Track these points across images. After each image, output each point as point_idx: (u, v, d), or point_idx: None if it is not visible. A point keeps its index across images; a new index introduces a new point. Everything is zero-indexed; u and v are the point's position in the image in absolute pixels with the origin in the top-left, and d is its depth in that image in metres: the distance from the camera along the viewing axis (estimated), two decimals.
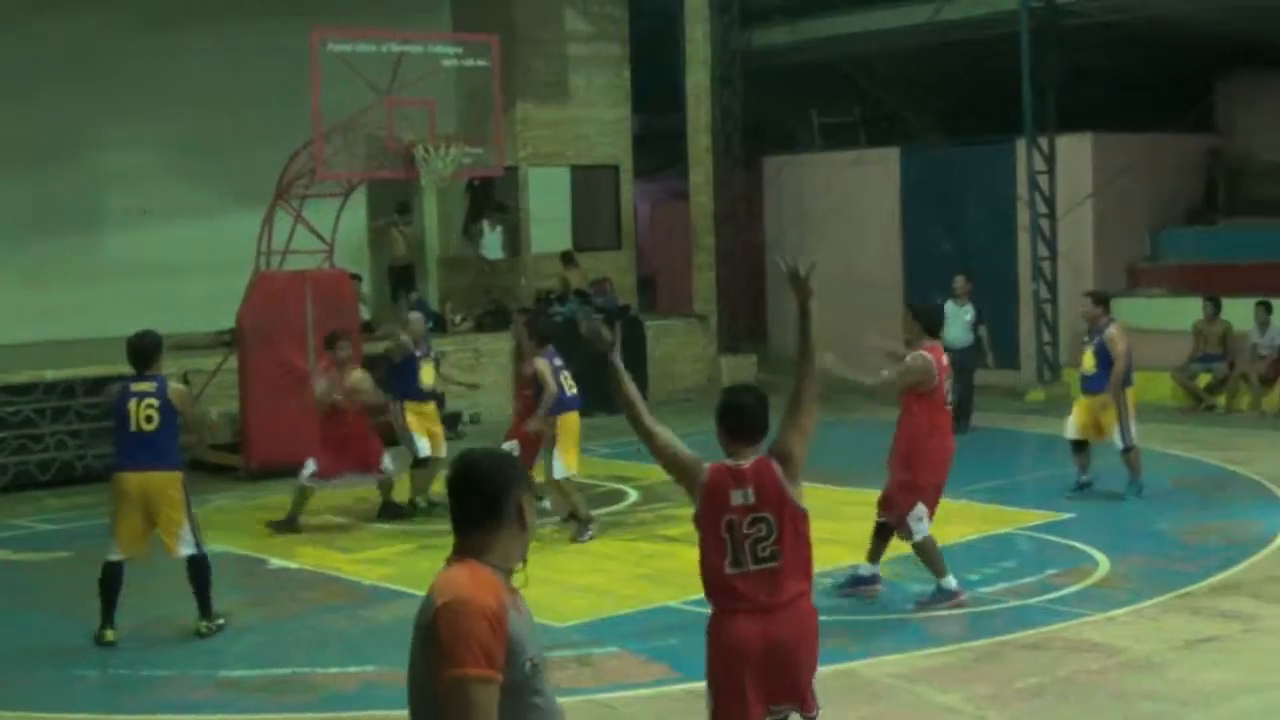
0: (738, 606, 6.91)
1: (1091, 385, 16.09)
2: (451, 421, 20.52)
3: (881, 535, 12.21)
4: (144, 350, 11.75)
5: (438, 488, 15.84)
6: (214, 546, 12.63)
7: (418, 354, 16.45)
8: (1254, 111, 26.89)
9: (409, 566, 13.90)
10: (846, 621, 11.28)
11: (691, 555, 7.28)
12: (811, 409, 7.15)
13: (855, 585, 12.21)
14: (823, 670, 10.11)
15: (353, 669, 10.84)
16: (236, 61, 24.16)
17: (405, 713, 4.66)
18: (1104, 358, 15.89)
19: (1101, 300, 16.71)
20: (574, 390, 14.98)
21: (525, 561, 4.80)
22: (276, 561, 14.23)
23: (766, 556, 6.93)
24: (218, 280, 21.54)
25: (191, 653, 11.41)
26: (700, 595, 7.16)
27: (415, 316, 17.38)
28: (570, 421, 14.84)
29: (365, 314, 22.83)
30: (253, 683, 10.71)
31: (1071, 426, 16.25)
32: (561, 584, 12.93)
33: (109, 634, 11.49)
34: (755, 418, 7.08)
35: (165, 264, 23.68)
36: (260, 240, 19.83)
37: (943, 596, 11.83)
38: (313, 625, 12.23)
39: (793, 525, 7.02)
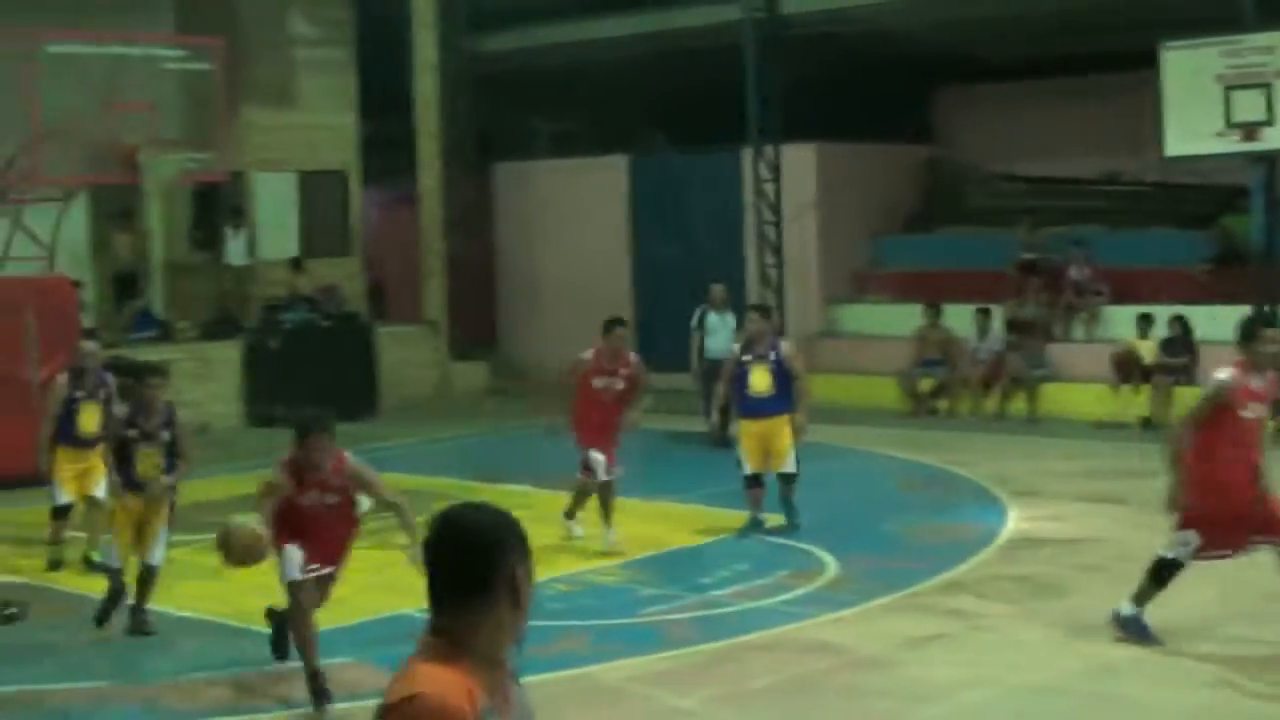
0: None
1: (769, 408, 14.76)
2: None
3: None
4: None
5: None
6: None
7: (78, 395, 14.00)
8: (969, 123, 27.73)
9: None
10: (583, 627, 11.31)
11: None
12: None
13: None
14: (559, 675, 10.18)
15: (83, 684, 10.56)
16: None
17: None
18: (781, 376, 14.76)
19: (769, 314, 16.17)
20: None
21: (521, 644, 3.89)
22: None
23: None
24: None
25: None
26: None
27: (86, 349, 14.81)
28: None
29: (87, 322, 22.21)
30: None
31: (749, 458, 14.81)
32: None
33: None
34: None
35: None
36: None
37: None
38: (38, 640, 11.85)
39: None
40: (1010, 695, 9.95)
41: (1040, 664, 10.52)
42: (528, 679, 10.07)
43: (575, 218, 28.18)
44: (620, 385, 14.39)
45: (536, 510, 16.44)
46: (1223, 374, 10.52)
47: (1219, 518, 10.44)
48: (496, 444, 21.92)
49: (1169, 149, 21.50)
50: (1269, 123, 20.46)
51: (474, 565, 3.76)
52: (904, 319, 24.19)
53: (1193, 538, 10.47)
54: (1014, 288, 24.03)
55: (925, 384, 23.64)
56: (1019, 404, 22.68)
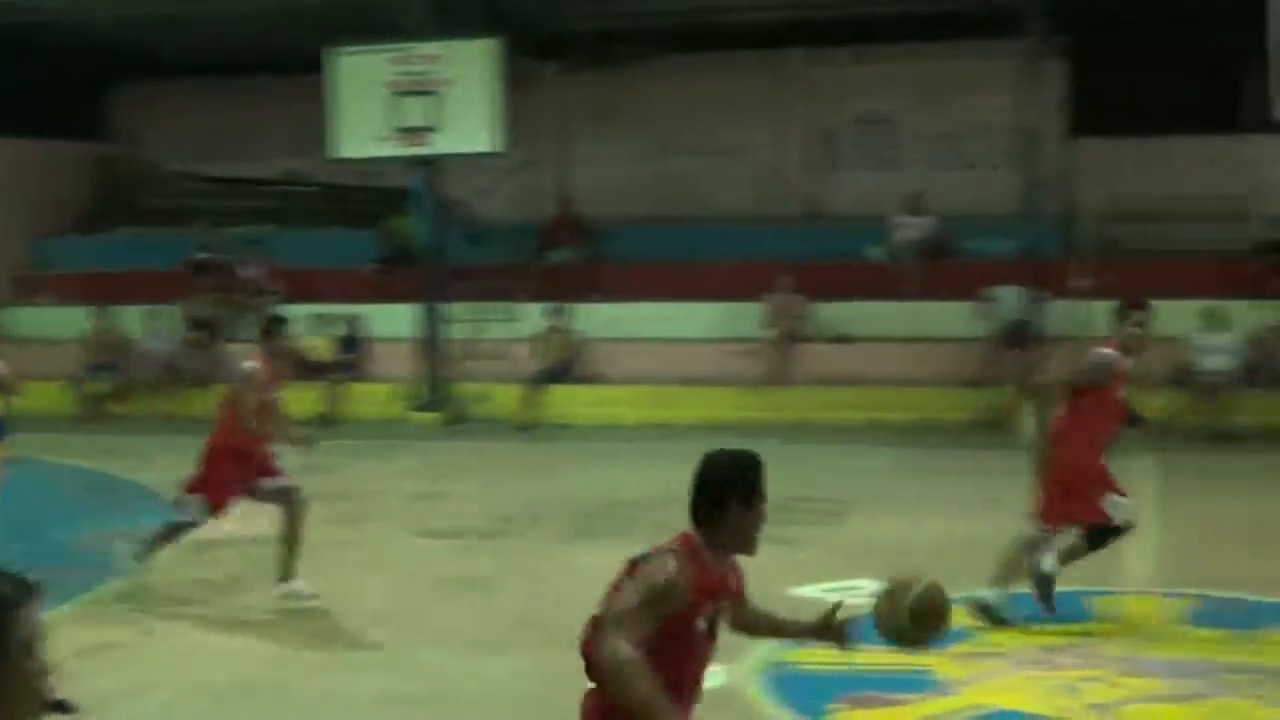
0: None
1: None
2: None
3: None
4: None
5: None
6: None
7: None
8: (150, 120, 27.37)
9: None
10: None
11: None
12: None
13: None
14: None
15: None
16: None
17: None
18: None
19: None
20: None
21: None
22: None
23: None
24: None
25: None
26: None
27: None
28: None
29: None
30: None
31: None
32: None
33: None
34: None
35: None
36: None
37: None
38: None
39: None
40: (189, 697, 9.86)
41: (214, 665, 10.48)
42: None
43: None
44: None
45: None
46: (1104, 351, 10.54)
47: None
48: None
49: (337, 151, 22.03)
50: (433, 128, 21.29)
51: None
52: (74, 321, 23.59)
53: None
54: (188, 287, 23.92)
55: (98, 387, 23.11)
56: (195, 404, 22.53)
